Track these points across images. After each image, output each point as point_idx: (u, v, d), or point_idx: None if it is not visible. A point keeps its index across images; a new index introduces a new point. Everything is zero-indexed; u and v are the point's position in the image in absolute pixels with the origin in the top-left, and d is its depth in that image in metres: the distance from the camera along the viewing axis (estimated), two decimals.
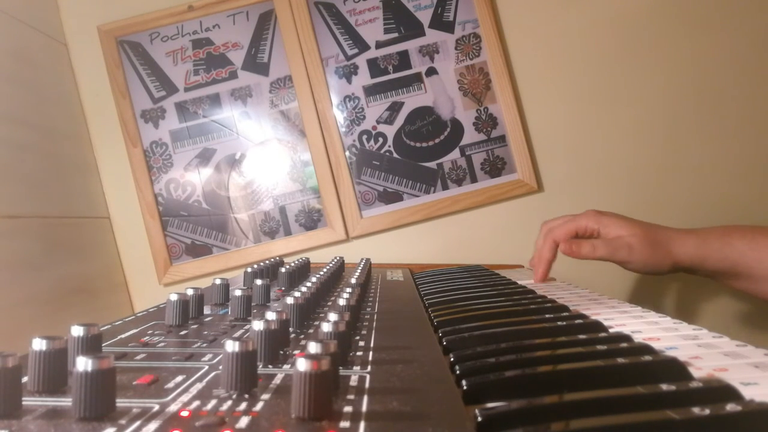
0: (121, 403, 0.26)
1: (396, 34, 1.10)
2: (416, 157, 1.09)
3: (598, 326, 0.43)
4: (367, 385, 0.30)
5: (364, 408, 0.26)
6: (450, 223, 1.08)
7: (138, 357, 0.35)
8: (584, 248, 0.71)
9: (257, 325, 0.33)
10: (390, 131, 1.09)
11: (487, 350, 0.37)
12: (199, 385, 0.29)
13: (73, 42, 1.11)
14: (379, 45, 1.10)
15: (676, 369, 0.31)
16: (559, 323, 0.45)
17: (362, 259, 0.83)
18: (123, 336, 0.41)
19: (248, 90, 1.11)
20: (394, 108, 1.09)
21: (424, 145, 1.09)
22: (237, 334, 0.42)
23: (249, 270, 0.69)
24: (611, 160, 1.08)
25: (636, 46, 1.08)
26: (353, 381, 0.30)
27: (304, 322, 0.44)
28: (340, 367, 0.31)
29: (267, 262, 0.77)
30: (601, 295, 0.61)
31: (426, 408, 0.26)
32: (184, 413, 0.25)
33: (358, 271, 0.68)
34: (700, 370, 0.32)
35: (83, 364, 0.24)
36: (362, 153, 1.09)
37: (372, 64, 1.10)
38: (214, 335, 0.41)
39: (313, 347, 0.28)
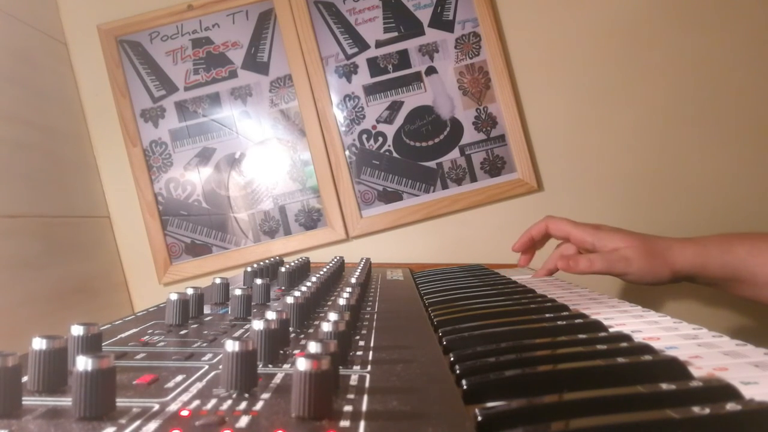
0: (121, 402, 0.26)
1: (396, 33, 1.10)
2: (416, 156, 1.09)
3: (598, 326, 0.43)
4: (367, 384, 0.30)
5: (364, 407, 0.26)
6: (450, 223, 1.08)
7: (138, 356, 0.35)
8: (581, 263, 0.72)
9: (257, 325, 0.33)
10: (390, 130, 1.09)
11: (487, 350, 0.37)
12: (199, 385, 0.29)
13: (73, 41, 1.11)
14: (379, 44, 1.10)
15: (676, 368, 0.32)
16: (559, 323, 0.45)
17: (362, 258, 0.83)
18: (123, 335, 0.41)
19: (248, 89, 1.11)
20: (394, 107, 1.09)
21: (424, 144, 1.09)
22: (237, 334, 0.42)
23: (249, 269, 0.69)
24: (611, 159, 1.08)
25: (636, 46, 1.08)
26: (353, 380, 0.30)
27: (304, 322, 0.44)
28: (340, 367, 0.31)
29: (267, 261, 0.77)
30: (601, 294, 0.61)
31: (426, 408, 0.26)
32: (184, 413, 0.25)
33: (358, 270, 0.68)
34: (700, 370, 0.32)
35: (83, 363, 0.24)
36: (362, 152, 1.09)
37: (372, 63, 1.10)
38: (214, 335, 0.41)
39: (313, 347, 0.28)
